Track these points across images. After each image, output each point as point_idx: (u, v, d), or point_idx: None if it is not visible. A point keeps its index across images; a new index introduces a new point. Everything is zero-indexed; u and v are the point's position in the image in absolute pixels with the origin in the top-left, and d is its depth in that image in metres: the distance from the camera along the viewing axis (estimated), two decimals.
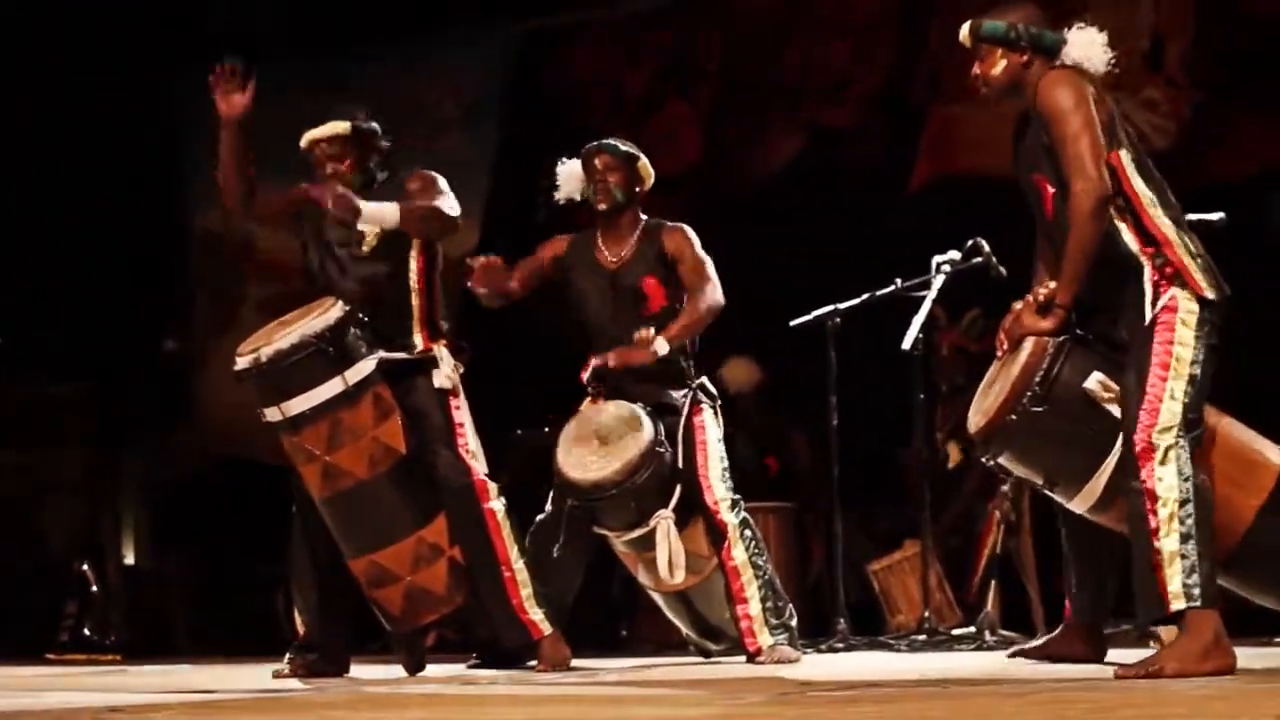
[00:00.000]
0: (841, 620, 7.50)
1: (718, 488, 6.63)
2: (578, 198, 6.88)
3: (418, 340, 6.43)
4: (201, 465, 11.50)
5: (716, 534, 6.60)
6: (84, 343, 11.15)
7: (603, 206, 6.76)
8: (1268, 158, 9.11)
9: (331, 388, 6.09)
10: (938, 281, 7.29)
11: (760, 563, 6.62)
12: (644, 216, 6.83)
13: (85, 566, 10.03)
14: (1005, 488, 7.71)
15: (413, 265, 6.46)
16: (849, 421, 7.75)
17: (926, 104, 10.22)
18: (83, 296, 11.43)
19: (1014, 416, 5.18)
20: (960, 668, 6.01)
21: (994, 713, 3.93)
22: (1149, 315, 5.08)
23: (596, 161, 6.76)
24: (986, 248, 7.31)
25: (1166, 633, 5.20)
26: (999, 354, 5.36)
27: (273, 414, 6.13)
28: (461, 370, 6.48)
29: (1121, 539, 5.28)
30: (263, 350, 6.08)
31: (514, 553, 6.32)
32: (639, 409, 6.58)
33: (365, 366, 6.17)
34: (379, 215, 6.20)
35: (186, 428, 11.75)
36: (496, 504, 6.32)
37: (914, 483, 7.97)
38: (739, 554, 6.57)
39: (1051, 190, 5.24)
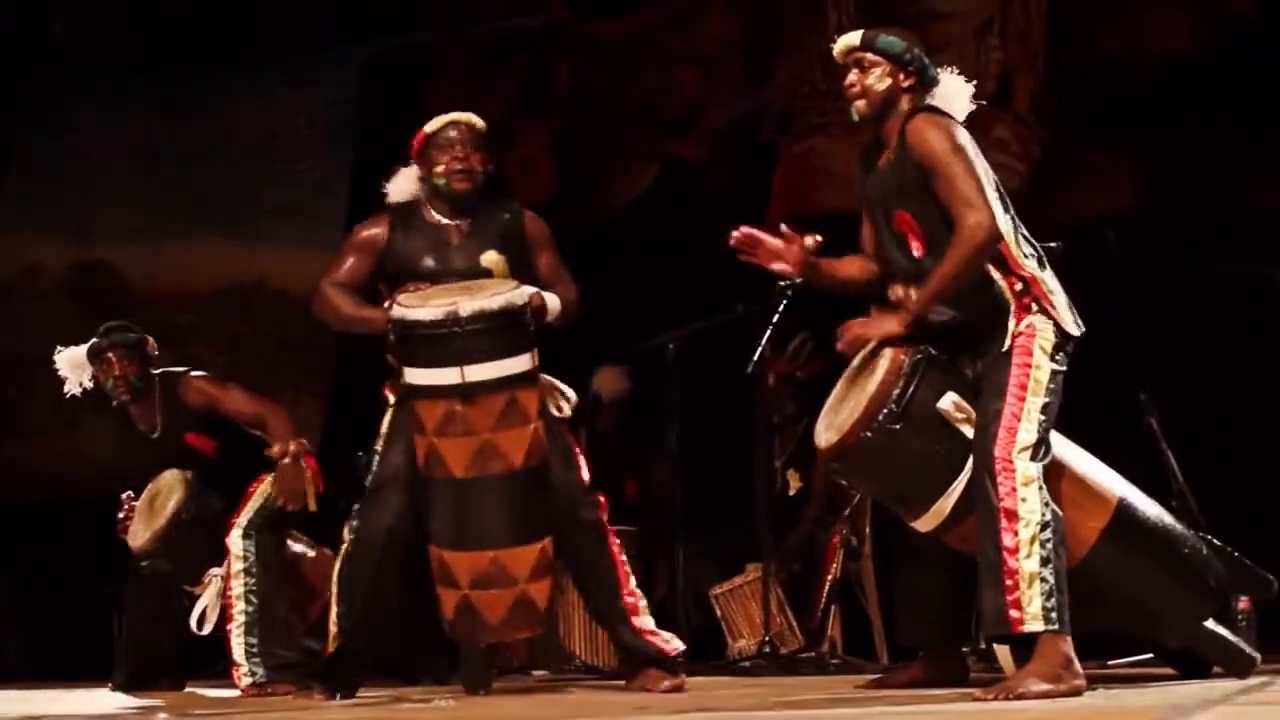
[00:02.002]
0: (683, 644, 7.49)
1: (235, 530, 7.02)
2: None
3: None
4: (34, 487, 11.35)
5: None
6: None
7: (125, 398, 7.17)
8: (1113, 197, 9.24)
9: (521, 363, 5.73)
10: (780, 305, 7.33)
11: (253, 597, 7.02)
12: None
13: None
14: (847, 513, 7.74)
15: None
16: (691, 446, 7.78)
17: (776, 139, 10.30)
18: None
19: (868, 434, 5.17)
20: (800, 691, 6.00)
21: None
22: (1008, 342, 5.14)
23: (110, 355, 7.14)
24: None
25: (1001, 652, 5.25)
26: (839, 347, 5.33)
27: (446, 375, 5.66)
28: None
29: (962, 559, 5.31)
30: (462, 305, 5.63)
31: (630, 574, 6.11)
32: (184, 475, 7.04)
33: (538, 355, 5.85)
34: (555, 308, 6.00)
35: (16, 449, 11.60)
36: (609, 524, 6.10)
37: (755, 507, 7.98)
38: (235, 585, 6.99)
39: (920, 226, 5.24)
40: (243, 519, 7.02)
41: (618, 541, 6.11)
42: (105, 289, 10.91)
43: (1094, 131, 9.48)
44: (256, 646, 6.90)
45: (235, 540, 6.98)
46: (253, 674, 6.89)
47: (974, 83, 5.40)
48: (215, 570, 7.01)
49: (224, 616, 6.97)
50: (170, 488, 7.04)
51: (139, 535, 7.06)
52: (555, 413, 5.98)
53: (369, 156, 10.81)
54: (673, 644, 6.11)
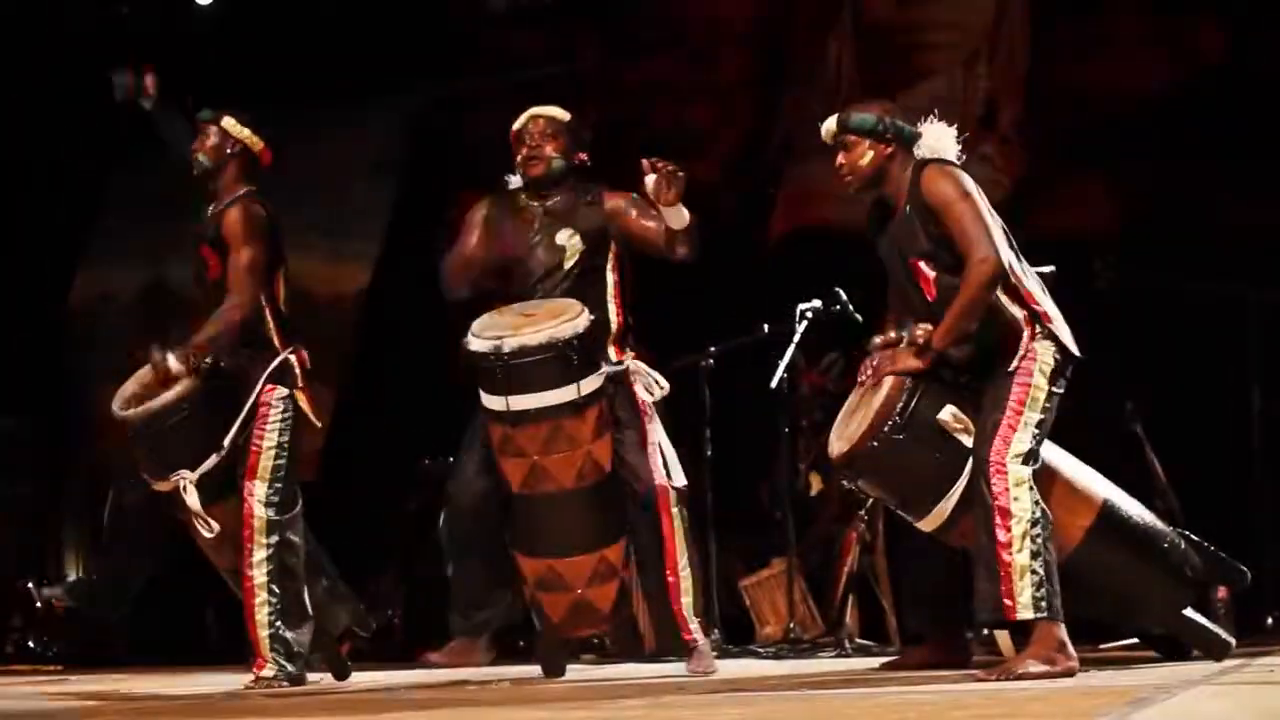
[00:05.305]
0: (716, 631, 7.68)
1: (259, 488, 6.23)
2: None
3: (612, 354, 6.30)
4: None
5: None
6: (26, 380, 11.34)
7: (197, 172, 6.54)
8: (1089, 221, 9.56)
9: (564, 394, 5.88)
10: (801, 327, 7.70)
11: (275, 585, 6.23)
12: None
13: (30, 585, 10.24)
14: (862, 512, 8.03)
15: (610, 279, 6.43)
16: (723, 453, 8.13)
17: (781, 164, 10.66)
18: (25, 332, 11.66)
19: (875, 443, 5.46)
20: (820, 673, 6.34)
21: (840, 713, 4.33)
22: (1015, 364, 5.43)
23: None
24: (844, 296, 7.73)
25: (1001, 637, 5.67)
26: (861, 381, 5.61)
27: (495, 403, 5.92)
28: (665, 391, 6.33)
29: (960, 554, 5.73)
30: (506, 341, 5.87)
31: (682, 560, 6.22)
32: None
33: (597, 380, 6.00)
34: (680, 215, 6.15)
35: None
36: (676, 510, 6.23)
37: (780, 508, 8.28)
38: (256, 574, 6.23)
39: (933, 274, 5.51)
40: (263, 487, 6.26)
41: (673, 524, 6.23)
42: (170, 304, 11.19)
43: (1072, 157, 9.80)
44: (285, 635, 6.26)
45: (259, 508, 6.24)
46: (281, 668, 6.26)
47: (956, 123, 5.66)
48: (184, 472, 6.11)
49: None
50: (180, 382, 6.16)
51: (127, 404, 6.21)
52: (645, 395, 6.23)
53: (413, 188, 11.17)
54: (696, 635, 6.29)
